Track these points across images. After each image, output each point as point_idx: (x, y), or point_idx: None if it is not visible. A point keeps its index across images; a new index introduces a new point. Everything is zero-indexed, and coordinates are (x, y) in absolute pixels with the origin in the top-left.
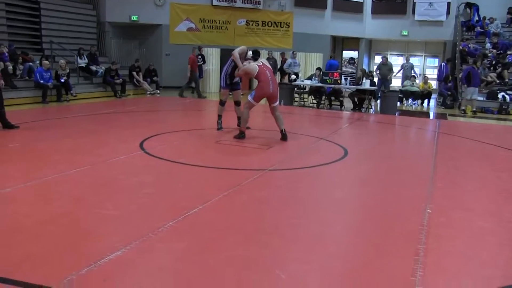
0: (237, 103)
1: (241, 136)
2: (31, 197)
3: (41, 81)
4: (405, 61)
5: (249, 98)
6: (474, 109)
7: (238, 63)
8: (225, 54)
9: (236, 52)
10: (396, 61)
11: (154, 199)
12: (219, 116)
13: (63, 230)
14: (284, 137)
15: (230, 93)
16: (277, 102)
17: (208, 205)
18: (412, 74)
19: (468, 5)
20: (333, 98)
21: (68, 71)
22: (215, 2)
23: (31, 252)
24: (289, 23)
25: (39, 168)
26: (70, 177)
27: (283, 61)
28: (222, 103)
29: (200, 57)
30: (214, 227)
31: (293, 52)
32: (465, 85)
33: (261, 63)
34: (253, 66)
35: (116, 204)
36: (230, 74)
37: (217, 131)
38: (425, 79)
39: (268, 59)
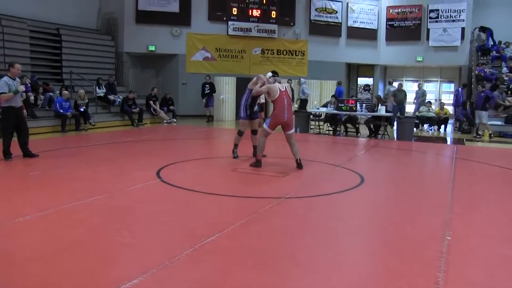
0: (254, 132)
1: (257, 164)
2: (49, 225)
3: (61, 111)
4: (418, 89)
5: (265, 126)
6: (490, 133)
7: (259, 90)
8: (241, 83)
9: (256, 86)
10: (411, 87)
11: (171, 227)
12: (235, 145)
13: (81, 258)
14: (299, 166)
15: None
16: (293, 130)
17: (225, 233)
18: (427, 100)
19: (482, 29)
20: (349, 125)
21: (87, 100)
22: (230, 32)
23: (49, 280)
24: (304, 51)
25: (57, 196)
26: (87, 205)
27: None
28: (240, 133)
29: (207, 85)
30: (231, 255)
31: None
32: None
33: (284, 89)
34: (276, 88)
35: (133, 232)
36: (250, 105)
37: (233, 159)
38: (441, 105)
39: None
